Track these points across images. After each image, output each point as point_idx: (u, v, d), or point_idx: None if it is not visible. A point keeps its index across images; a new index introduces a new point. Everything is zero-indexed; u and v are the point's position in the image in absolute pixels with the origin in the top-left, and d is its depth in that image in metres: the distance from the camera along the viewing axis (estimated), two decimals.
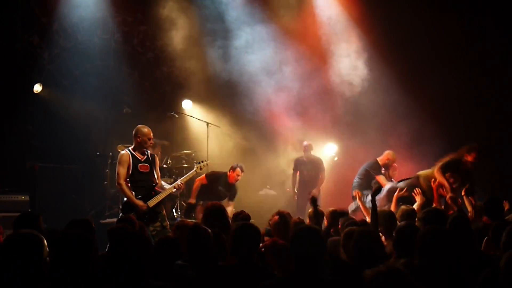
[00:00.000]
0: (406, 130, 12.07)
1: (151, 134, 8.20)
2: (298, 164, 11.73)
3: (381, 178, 10.33)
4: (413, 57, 12.39)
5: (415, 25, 12.18)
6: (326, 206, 8.63)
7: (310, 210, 7.24)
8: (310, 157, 11.61)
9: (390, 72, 12.34)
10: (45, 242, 3.62)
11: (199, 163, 9.02)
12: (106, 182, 11.63)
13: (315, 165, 11.64)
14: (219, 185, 10.64)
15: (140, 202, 7.86)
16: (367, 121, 12.60)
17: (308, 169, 11.62)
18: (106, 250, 5.64)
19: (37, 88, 11.89)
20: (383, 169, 10.52)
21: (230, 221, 6.13)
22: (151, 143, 8.19)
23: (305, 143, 11.65)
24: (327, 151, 12.76)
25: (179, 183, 8.39)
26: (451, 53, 12.20)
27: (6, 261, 3.49)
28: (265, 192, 12.56)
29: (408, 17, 12.14)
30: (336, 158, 12.80)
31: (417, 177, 9.32)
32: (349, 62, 12.62)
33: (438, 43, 12.30)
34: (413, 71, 12.41)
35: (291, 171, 11.91)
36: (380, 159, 10.58)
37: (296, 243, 3.99)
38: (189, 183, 9.85)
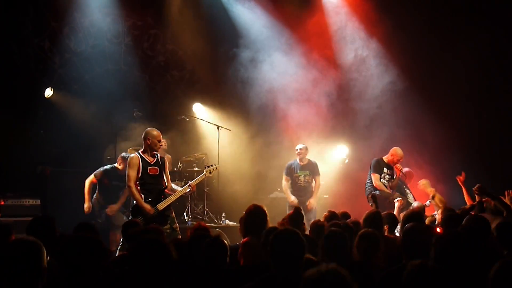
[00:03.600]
0: (419, 135, 12.03)
1: (161, 136, 8.24)
2: (291, 169, 11.16)
3: (375, 176, 10.39)
4: (431, 60, 12.28)
5: (436, 28, 12.11)
6: (337, 209, 8.59)
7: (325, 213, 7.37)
8: (305, 162, 11.14)
9: (405, 76, 12.30)
10: (44, 249, 3.49)
11: (208, 166, 8.98)
12: None
13: (311, 169, 11.15)
14: (112, 179, 10.28)
15: (148, 206, 7.88)
16: (379, 123, 12.53)
17: (305, 174, 11.11)
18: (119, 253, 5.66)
19: (48, 92, 11.91)
20: (385, 168, 10.47)
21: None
22: (160, 145, 8.23)
23: (300, 146, 11.13)
24: (338, 153, 12.70)
25: (192, 183, 8.41)
26: (477, 60, 11.89)
27: (2, 270, 3.37)
28: (276, 195, 12.52)
29: (426, 20, 12.09)
30: (347, 161, 12.72)
31: None
32: (363, 65, 12.59)
33: (462, 49, 11.89)
34: (429, 77, 12.32)
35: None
36: (386, 157, 10.57)
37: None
38: (199, 186, 9.79)
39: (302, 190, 11.08)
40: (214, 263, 4.80)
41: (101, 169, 10.28)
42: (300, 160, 11.10)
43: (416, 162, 11.61)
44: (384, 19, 12.17)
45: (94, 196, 10.28)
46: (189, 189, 8.35)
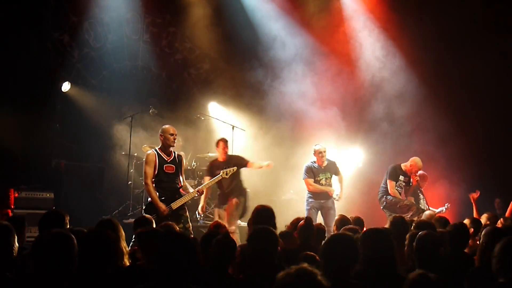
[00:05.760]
0: (437, 142, 11.95)
1: (174, 130, 8.19)
2: (313, 172, 10.39)
3: (390, 183, 10.31)
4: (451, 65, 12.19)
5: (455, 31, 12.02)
6: (349, 213, 8.54)
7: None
8: (326, 163, 10.37)
9: (425, 82, 12.22)
10: (75, 241, 3.66)
11: (225, 168, 8.84)
12: (130, 182, 11.61)
13: (332, 170, 10.43)
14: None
15: (162, 206, 7.84)
16: (395, 129, 12.46)
17: (326, 177, 10.38)
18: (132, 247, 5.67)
19: (66, 86, 11.96)
20: (401, 176, 10.41)
21: None
22: (174, 138, 8.13)
23: (319, 147, 10.38)
24: (352, 157, 12.63)
25: (200, 188, 8.38)
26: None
27: (40, 260, 3.56)
28: (289, 197, 12.48)
29: (449, 26, 12.00)
30: (360, 165, 12.64)
31: None
32: (381, 69, 12.54)
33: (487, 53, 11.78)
34: (450, 84, 12.21)
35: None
36: (404, 165, 10.51)
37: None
38: (214, 186, 9.75)
39: (323, 194, 10.32)
40: (221, 262, 4.69)
41: None
42: (321, 162, 10.42)
43: (434, 169, 11.51)
44: (405, 26, 12.13)
45: None
46: (197, 194, 8.35)
